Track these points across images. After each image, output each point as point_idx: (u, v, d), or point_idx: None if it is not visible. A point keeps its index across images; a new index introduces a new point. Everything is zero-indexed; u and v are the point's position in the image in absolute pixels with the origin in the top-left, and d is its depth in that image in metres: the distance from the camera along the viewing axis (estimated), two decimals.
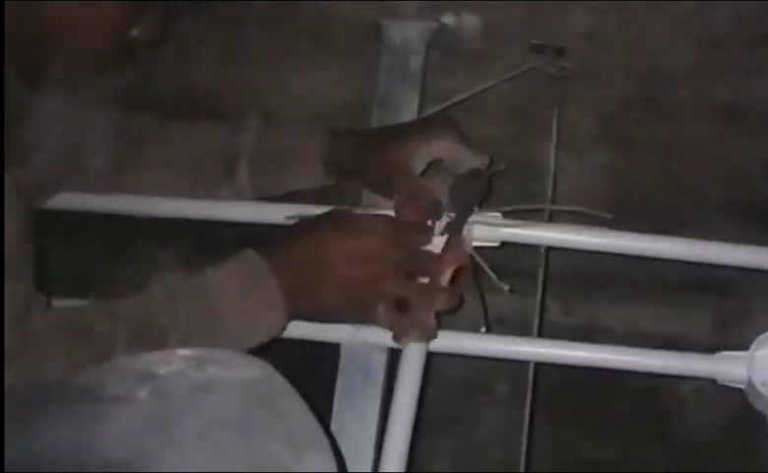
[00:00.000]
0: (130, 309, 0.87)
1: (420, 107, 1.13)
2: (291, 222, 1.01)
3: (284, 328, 0.91)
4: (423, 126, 1.03)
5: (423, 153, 1.00)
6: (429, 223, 0.98)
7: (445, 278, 0.94)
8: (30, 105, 0.98)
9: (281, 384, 0.77)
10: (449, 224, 0.98)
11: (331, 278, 0.91)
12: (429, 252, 0.96)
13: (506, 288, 0.96)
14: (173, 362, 0.76)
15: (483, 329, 1.01)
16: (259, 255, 0.90)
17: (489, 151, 1.02)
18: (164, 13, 0.90)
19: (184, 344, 0.83)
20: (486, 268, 0.97)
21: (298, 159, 1.05)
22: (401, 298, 0.93)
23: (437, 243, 0.97)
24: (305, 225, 0.96)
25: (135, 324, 0.85)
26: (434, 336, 0.95)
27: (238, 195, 1.08)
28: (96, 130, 1.08)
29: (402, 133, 1.02)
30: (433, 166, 1.01)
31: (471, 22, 1.13)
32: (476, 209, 1.00)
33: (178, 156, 1.08)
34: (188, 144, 1.07)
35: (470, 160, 1.00)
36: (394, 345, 0.96)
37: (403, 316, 0.93)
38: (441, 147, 1.00)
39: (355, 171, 1.04)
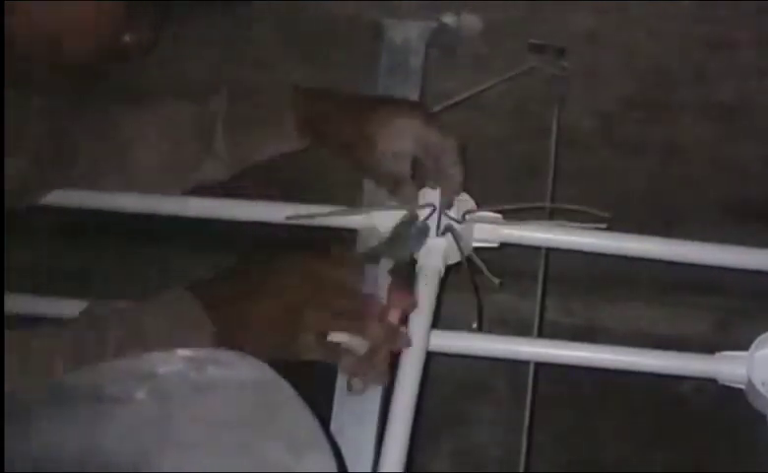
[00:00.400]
0: (68, 333, 0.87)
1: None
2: (291, 222, 1.01)
3: None
4: (395, 104, 1.03)
5: (390, 130, 0.99)
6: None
7: (392, 318, 0.94)
8: (10, 105, 0.97)
9: (281, 385, 0.77)
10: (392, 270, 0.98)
11: (254, 311, 0.91)
12: (361, 293, 0.95)
13: (497, 281, 0.96)
14: (173, 362, 0.76)
15: (475, 325, 1.00)
16: (190, 293, 0.91)
17: (490, 151, 1.02)
18: (158, 19, 0.90)
19: None
20: (479, 261, 0.98)
21: (271, 118, 1.05)
22: (325, 320, 0.92)
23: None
24: (239, 267, 0.96)
25: (72, 344, 0.86)
26: (384, 381, 0.94)
27: (219, 168, 1.07)
28: (73, 128, 1.08)
29: (372, 107, 1.02)
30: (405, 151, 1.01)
31: (470, 21, 1.13)
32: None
33: (155, 137, 1.08)
34: (162, 123, 1.08)
35: (434, 141, 0.99)
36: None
37: (333, 345, 0.92)
38: (408, 126, 1.00)
39: (323, 135, 1.04)
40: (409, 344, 0.94)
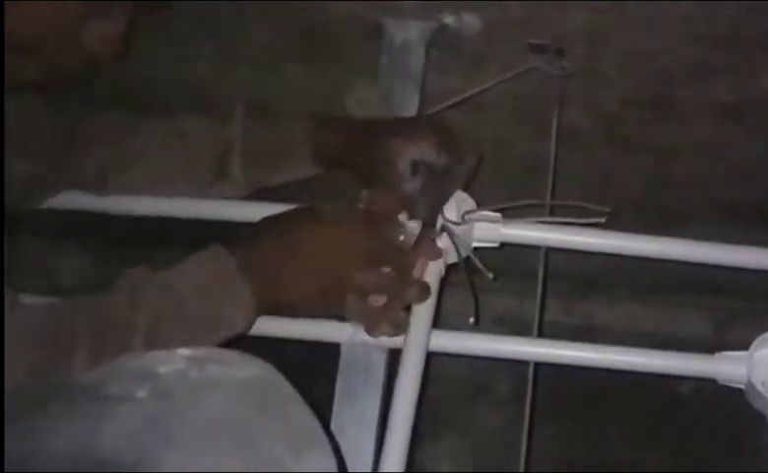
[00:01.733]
0: (93, 308, 0.86)
1: (420, 107, 1.13)
2: None
3: (251, 323, 0.91)
4: (409, 126, 1.03)
5: (406, 154, 1.00)
6: (401, 217, 0.97)
7: (418, 271, 0.96)
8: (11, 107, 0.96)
9: (281, 384, 0.77)
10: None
11: (298, 269, 0.91)
12: (401, 243, 0.96)
13: (491, 275, 0.96)
14: (174, 361, 0.76)
15: (472, 320, 1.00)
16: (225, 250, 0.90)
17: (491, 151, 1.02)
18: (127, 26, 0.89)
19: (147, 341, 0.83)
20: (477, 261, 0.98)
21: (288, 150, 1.05)
22: (371, 287, 0.93)
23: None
24: (272, 218, 0.95)
25: (97, 324, 0.85)
26: (404, 330, 0.94)
27: (232, 190, 1.07)
28: (80, 132, 1.07)
29: (388, 131, 1.02)
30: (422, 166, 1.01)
31: (470, 22, 1.13)
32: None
33: (168, 153, 1.07)
34: (177, 141, 1.07)
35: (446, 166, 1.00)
36: (394, 345, 0.96)
37: (373, 308, 0.93)
38: (423, 151, 1.00)
39: (341, 163, 1.04)
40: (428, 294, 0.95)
